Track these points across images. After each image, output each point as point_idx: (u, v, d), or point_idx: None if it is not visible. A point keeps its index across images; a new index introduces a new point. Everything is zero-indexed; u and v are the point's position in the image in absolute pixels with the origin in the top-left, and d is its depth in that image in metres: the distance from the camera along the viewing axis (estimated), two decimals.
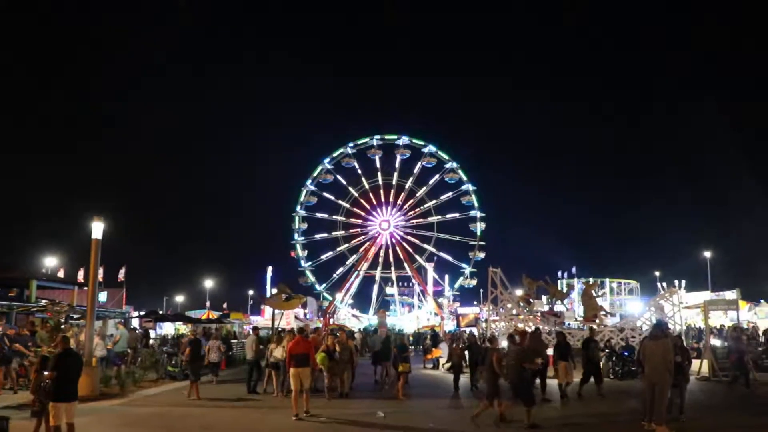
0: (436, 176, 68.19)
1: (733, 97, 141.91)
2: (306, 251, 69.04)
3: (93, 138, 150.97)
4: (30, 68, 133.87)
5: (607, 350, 22.48)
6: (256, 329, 22.07)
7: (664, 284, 47.84)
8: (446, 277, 70.20)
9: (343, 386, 17.69)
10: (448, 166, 67.33)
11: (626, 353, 22.17)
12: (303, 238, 68.95)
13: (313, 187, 68.69)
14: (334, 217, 70.47)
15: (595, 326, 22.85)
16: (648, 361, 12.33)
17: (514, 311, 27.37)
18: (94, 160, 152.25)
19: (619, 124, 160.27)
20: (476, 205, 67.01)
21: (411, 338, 38.47)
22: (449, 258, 68.94)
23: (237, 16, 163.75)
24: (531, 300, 28.91)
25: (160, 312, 54.87)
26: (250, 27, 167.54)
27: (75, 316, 27.80)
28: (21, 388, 17.18)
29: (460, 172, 67.09)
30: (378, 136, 68.61)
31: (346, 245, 70.82)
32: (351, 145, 68.56)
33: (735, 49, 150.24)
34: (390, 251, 70.58)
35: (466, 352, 20.75)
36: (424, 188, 69.03)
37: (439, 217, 69.09)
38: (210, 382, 20.58)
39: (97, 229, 17.87)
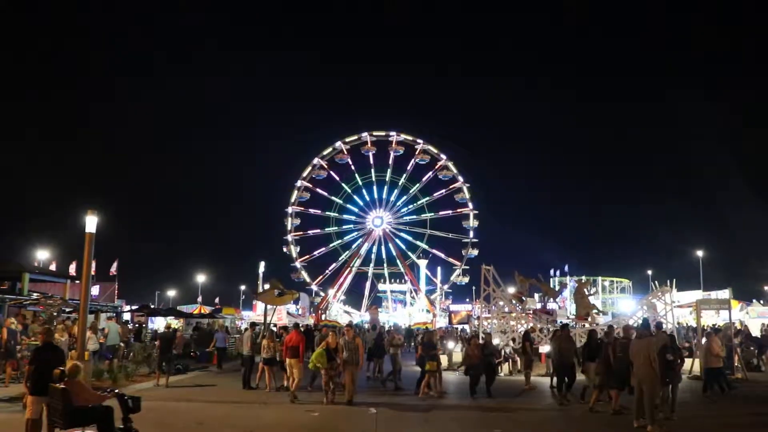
0: (430, 173, 68.25)
1: (726, 97, 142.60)
2: (299, 247, 68.92)
3: (87, 132, 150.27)
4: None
5: None
6: (253, 325, 22.11)
7: (662, 283, 47.89)
8: (439, 273, 70.31)
9: (350, 392, 15.68)
10: (441, 162, 67.31)
11: None
12: (296, 233, 68.84)
13: (306, 183, 68.54)
14: (327, 213, 70.48)
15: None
16: (634, 360, 12.56)
17: (507, 309, 27.36)
18: (87, 154, 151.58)
19: (612, 124, 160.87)
20: (469, 202, 67.10)
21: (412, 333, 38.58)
22: (442, 255, 69.08)
23: (235, 17, 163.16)
24: (523, 298, 28.93)
25: (152, 306, 54.75)
26: (248, 27, 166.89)
27: (67, 310, 27.69)
28: (13, 382, 17.12)
29: (453, 168, 67.10)
30: (371, 133, 68.58)
31: (339, 241, 70.88)
32: (345, 141, 68.46)
33: (733, 49, 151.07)
34: (383, 248, 70.63)
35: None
36: (418, 185, 69.05)
37: (432, 213, 69.21)
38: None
39: (91, 222, 17.67)
